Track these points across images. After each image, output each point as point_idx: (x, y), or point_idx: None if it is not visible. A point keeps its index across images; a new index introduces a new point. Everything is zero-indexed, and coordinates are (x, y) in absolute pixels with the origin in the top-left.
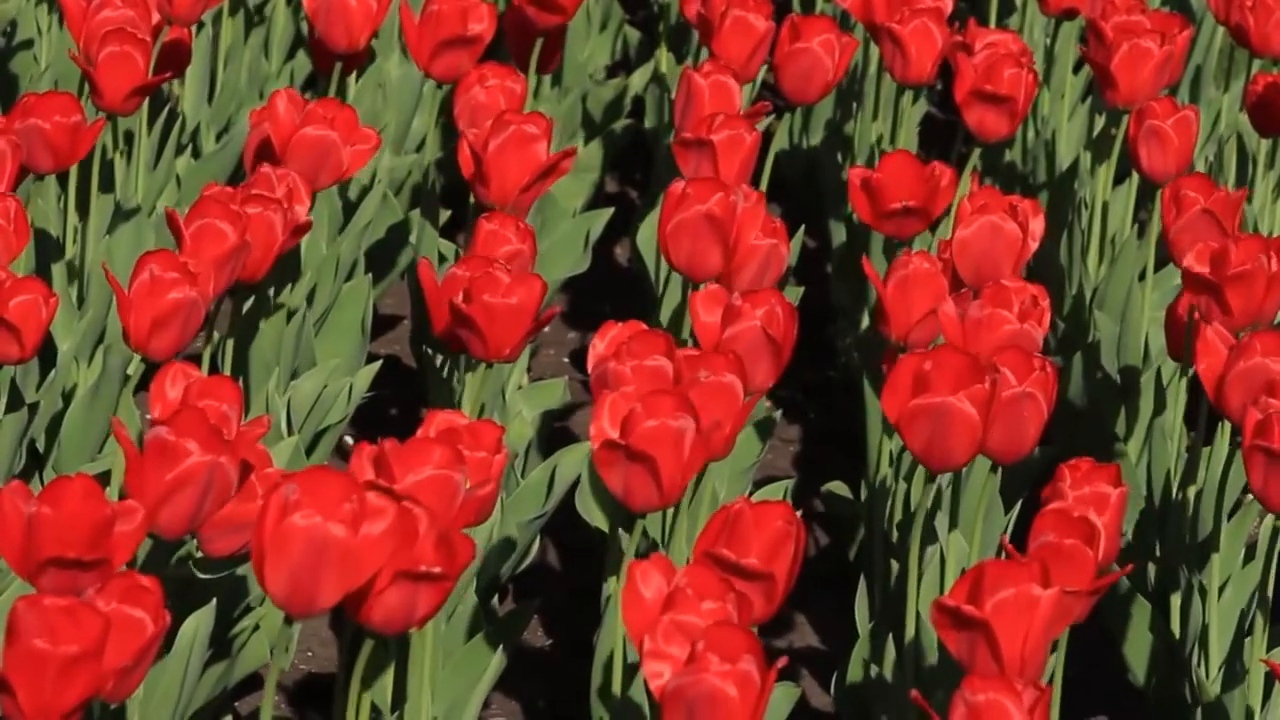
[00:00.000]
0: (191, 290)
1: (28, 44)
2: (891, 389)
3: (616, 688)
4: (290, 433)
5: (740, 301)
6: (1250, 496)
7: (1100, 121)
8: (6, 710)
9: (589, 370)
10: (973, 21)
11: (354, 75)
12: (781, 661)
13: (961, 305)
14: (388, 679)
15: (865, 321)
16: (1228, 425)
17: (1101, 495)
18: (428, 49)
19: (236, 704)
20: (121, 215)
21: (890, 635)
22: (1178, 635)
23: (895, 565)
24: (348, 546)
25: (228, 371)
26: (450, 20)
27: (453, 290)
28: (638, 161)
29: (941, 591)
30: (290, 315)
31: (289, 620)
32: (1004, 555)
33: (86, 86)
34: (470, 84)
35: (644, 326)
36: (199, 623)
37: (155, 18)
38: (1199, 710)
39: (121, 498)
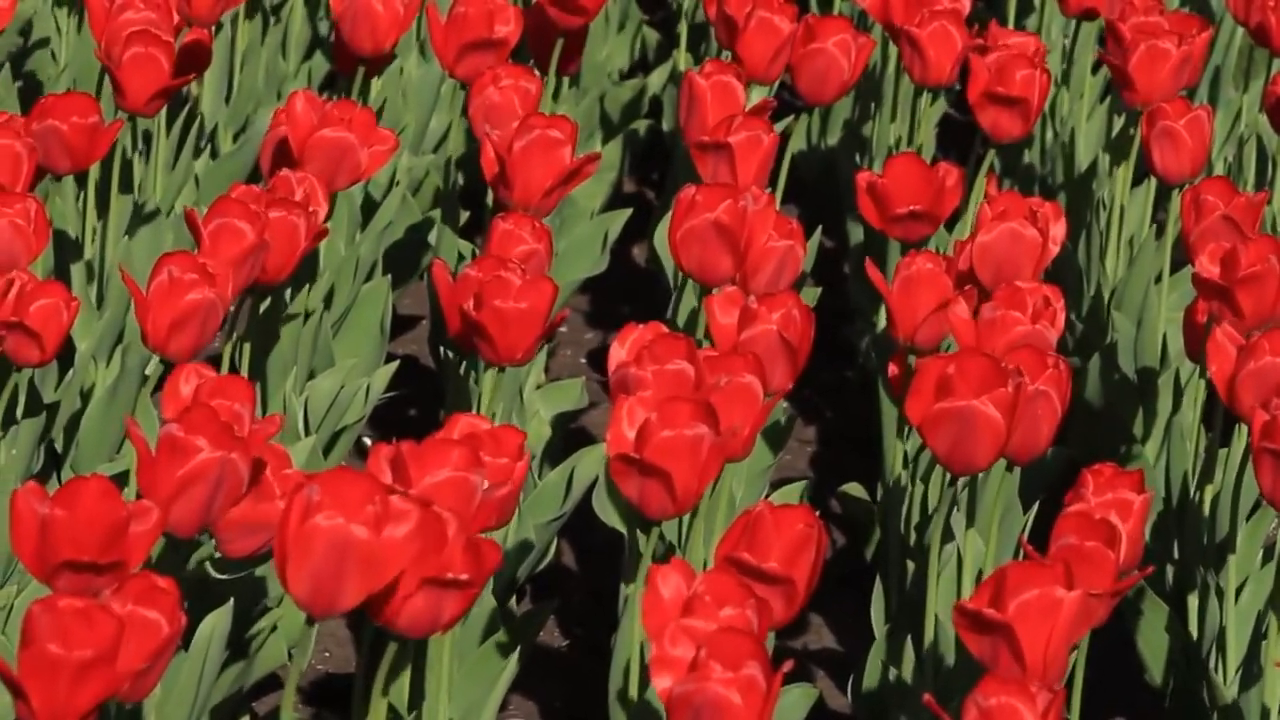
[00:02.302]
0: (210, 291)
1: (45, 44)
2: (914, 393)
3: (634, 691)
4: (308, 433)
5: (757, 304)
6: None
7: (1119, 122)
8: (20, 714)
9: (609, 375)
10: (994, 23)
11: (375, 75)
12: (788, 665)
13: (968, 304)
14: (405, 679)
15: (883, 322)
16: (1244, 426)
17: (1125, 501)
18: (453, 50)
19: (254, 704)
20: (140, 215)
21: (908, 637)
22: (1195, 636)
23: (911, 566)
24: (370, 548)
25: (245, 372)
26: (476, 22)
27: (466, 292)
28: (656, 162)
29: (958, 592)
30: (308, 316)
31: (310, 621)
32: (1023, 556)
33: (104, 86)
34: (485, 84)
35: (664, 329)
36: (216, 623)
37: (174, 18)
38: (1216, 712)
39: (137, 497)
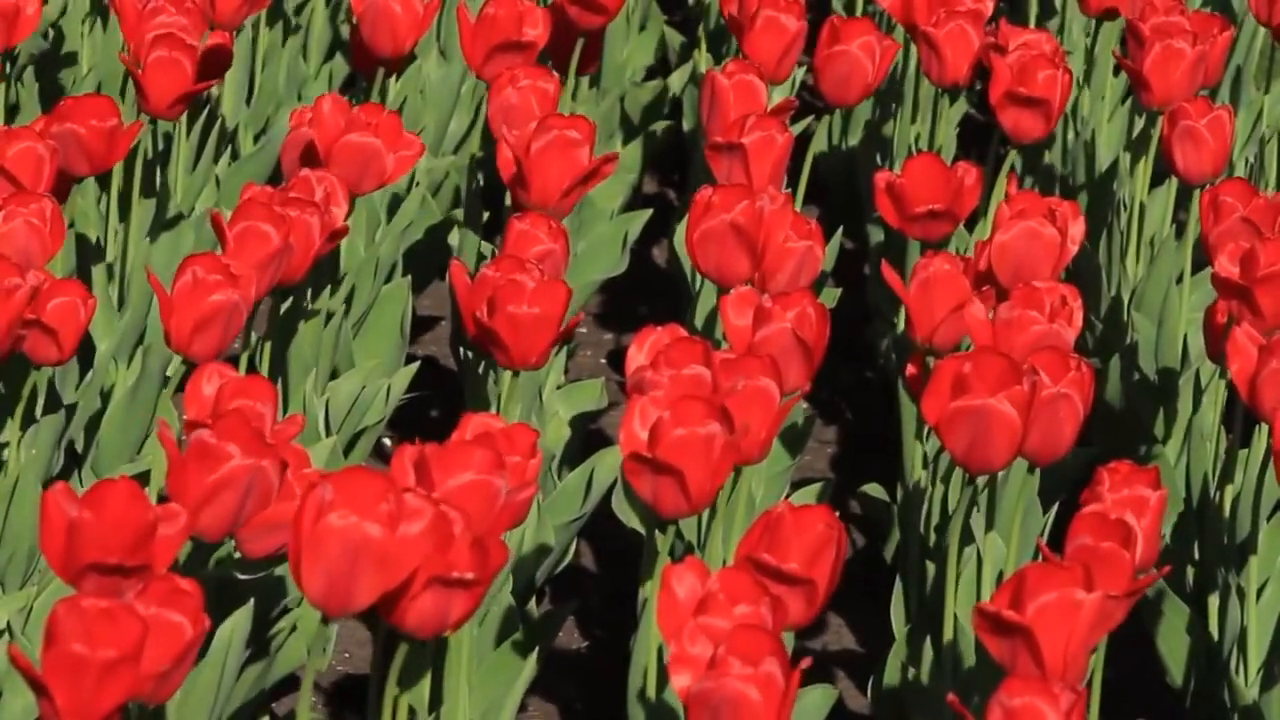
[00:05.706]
0: (234, 293)
1: (70, 48)
2: (931, 392)
3: (653, 691)
4: (328, 434)
5: (771, 304)
6: None
7: (1140, 122)
8: (44, 713)
9: (626, 378)
10: (1004, 21)
11: (394, 76)
12: (806, 662)
13: (986, 305)
14: (425, 680)
15: (902, 323)
16: (1265, 427)
17: (1141, 498)
18: (481, 52)
19: (274, 705)
20: (161, 216)
21: (927, 637)
22: (1216, 637)
23: (931, 567)
24: (384, 546)
25: (265, 372)
26: (506, 24)
27: (482, 293)
28: (676, 162)
29: (978, 593)
30: (329, 317)
31: (325, 620)
32: (1040, 557)
33: (128, 87)
34: (504, 85)
35: (682, 331)
36: (236, 624)
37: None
38: (1237, 713)
39: (161, 499)
